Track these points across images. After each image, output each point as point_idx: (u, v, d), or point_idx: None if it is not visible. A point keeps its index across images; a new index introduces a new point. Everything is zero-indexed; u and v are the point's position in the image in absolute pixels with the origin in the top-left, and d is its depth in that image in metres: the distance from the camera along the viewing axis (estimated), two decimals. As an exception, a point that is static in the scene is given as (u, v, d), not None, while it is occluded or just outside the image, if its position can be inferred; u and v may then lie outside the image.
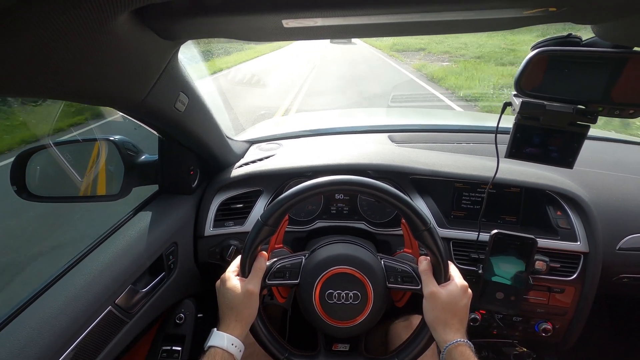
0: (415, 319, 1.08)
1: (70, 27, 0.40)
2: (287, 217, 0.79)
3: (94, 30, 0.43)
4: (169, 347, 1.07)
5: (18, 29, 0.37)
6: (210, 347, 0.67)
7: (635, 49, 0.58)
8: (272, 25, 0.53)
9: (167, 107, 0.77)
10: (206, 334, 0.71)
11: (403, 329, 1.06)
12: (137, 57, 0.57)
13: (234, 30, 0.59)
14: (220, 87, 8.53)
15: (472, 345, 0.69)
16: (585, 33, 0.64)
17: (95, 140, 1.02)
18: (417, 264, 0.77)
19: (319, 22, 0.51)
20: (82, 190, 1.01)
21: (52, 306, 0.67)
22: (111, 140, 0.98)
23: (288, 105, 7.07)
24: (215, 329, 0.71)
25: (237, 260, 0.77)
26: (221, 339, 0.68)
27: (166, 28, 0.55)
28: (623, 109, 0.64)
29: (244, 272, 0.74)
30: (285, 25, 0.52)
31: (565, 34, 0.63)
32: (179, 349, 1.07)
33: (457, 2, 0.47)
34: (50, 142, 0.97)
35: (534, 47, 0.64)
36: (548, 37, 0.64)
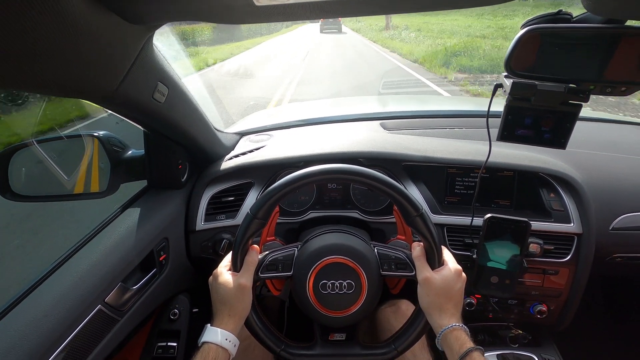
0: (403, 304, 1.09)
1: (18, 8, 0.38)
2: (277, 209, 0.78)
3: (44, 11, 0.40)
4: (164, 343, 1.06)
5: None
6: (203, 343, 0.67)
7: (628, 22, 0.57)
8: (242, 3, 0.51)
9: (144, 98, 0.74)
10: (201, 329, 0.70)
11: (391, 314, 1.07)
12: (103, 43, 0.54)
13: (203, 11, 0.56)
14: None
15: (467, 329, 0.70)
16: (577, 10, 0.63)
17: (79, 136, 0.99)
18: (411, 250, 0.77)
19: None
20: (68, 188, 0.99)
21: (38, 307, 0.66)
22: (96, 136, 0.95)
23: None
24: (208, 324, 0.70)
25: (230, 256, 0.76)
26: (215, 335, 0.67)
27: (128, 10, 0.52)
28: (615, 87, 0.63)
29: (235, 266, 0.73)
30: (256, 4, 0.50)
31: (555, 10, 0.61)
32: (175, 344, 1.06)
33: None
34: (33, 140, 0.94)
35: (523, 26, 0.62)
36: (538, 14, 0.62)
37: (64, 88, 0.57)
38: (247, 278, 0.72)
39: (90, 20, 0.48)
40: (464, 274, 0.75)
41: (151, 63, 0.71)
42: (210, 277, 0.76)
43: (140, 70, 0.67)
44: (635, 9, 0.52)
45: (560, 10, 0.61)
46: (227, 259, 0.76)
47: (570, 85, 0.64)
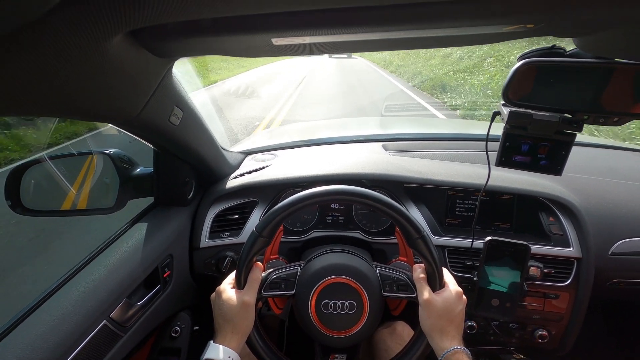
0: (399, 325, 1.09)
1: (69, 48, 0.41)
2: (281, 227, 0.80)
3: (91, 51, 0.44)
4: None
5: (20, 50, 0.38)
6: (206, 359, 0.67)
7: (617, 60, 0.60)
8: (262, 44, 0.55)
9: (161, 121, 0.78)
10: (202, 347, 0.70)
11: (387, 335, 1.07)
12: (132, 75, 0.58)
13: (226, 48, 0.60)
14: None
15: (469, 352, 0.70)
16: (570, 43, 0.66)
17: (90, 153, 1.02)
18: (412, 272, 0.78)
19: (307, 39, 0.53)
20: (77, 204, 1.01)
21: (46, 321, 0.67)
22: (106, 154, 0.98)
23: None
24: (211, 341, 0.70)
25: (234, 274, 0.77)
26: (217, 352, 0.68)
27: (160, 47, 0.57)
28: (608, 117, 0.65)
29: (239, 283, 0.74)
30: (275, 43, 0.54)
31: (550, 45, 0.65)
32: None
33: (439, 21, 0.48)
34: (45, 156, 0.97)
35: (520, 58, 0.66)
36: (534, 48, 0.66)
37: (91, 114, 0.61)
38: (250, 295, 0.73)
39: (125, 56, 0.52)
40: (464, 297, 0.75)
41: (169, 89, 0.75)
42: (213, 294, 0.77)
43: (160, 96, 0.71)
44: (620, 50, 0.56)
45: (554, 45, 0.64)
46: (231, 277, 0.77)
47: (565, 115, 0.67)
